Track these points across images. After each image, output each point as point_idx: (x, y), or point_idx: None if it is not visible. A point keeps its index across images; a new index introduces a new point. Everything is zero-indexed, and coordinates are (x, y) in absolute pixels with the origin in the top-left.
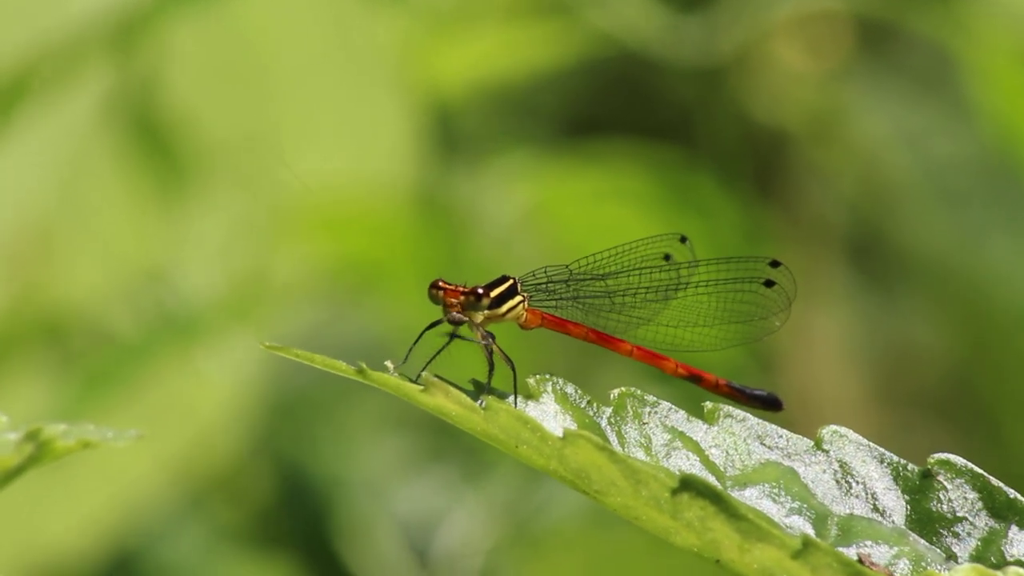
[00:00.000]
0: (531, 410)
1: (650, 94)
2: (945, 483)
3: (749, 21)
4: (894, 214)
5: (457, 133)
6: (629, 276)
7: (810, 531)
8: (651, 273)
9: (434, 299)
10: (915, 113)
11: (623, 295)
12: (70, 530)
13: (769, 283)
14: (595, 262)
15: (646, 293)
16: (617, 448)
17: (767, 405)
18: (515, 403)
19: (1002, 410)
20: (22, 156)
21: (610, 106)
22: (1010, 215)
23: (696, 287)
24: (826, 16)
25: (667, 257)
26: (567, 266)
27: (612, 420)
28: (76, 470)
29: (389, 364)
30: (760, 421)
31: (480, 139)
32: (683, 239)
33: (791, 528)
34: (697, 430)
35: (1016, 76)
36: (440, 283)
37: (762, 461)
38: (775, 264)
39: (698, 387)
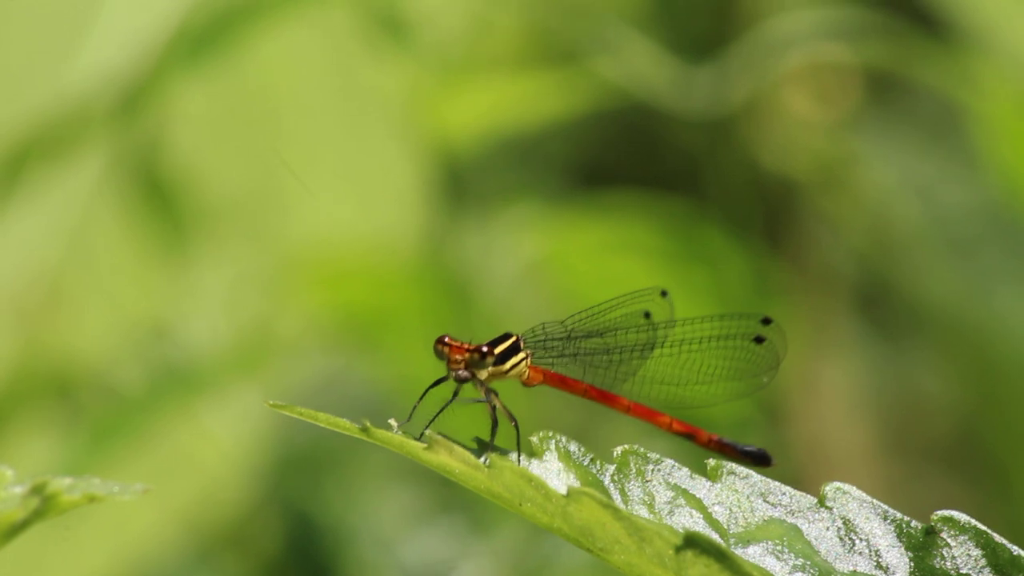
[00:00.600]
0: (534, 468)
1: (659, 143)
2: (949, 540)
3: (758, 71)
4: (902, 264)
5: (464, 183)
6: (625, 333)
7: None
8: (634, 332)
9: (439, 355)
10: (923, 162)
11: (619, 352)
12: None
13: (759, 339)
14: (587, 318)
15: (631, 351)
16: (621, 506)
17: (757, 460)
18: (519, 461)
19: (1011, 461)
20: (31, 214)
21: (619, 156)
22: (1019, 265)
23: (690, 344)
24: (835, 66)
25: (647, 315)
26: (563, 322)
27: (615, 478)
28: (82, 524)
29: (393, 422)
30: (763, 478)
31: (487, 189)
32: (663, 293)
33: None
34: (700, 487)
35: (1022, 126)
36: (446, 339)
37: (765, 518)
38: (767, 321)
39: (693, 443)
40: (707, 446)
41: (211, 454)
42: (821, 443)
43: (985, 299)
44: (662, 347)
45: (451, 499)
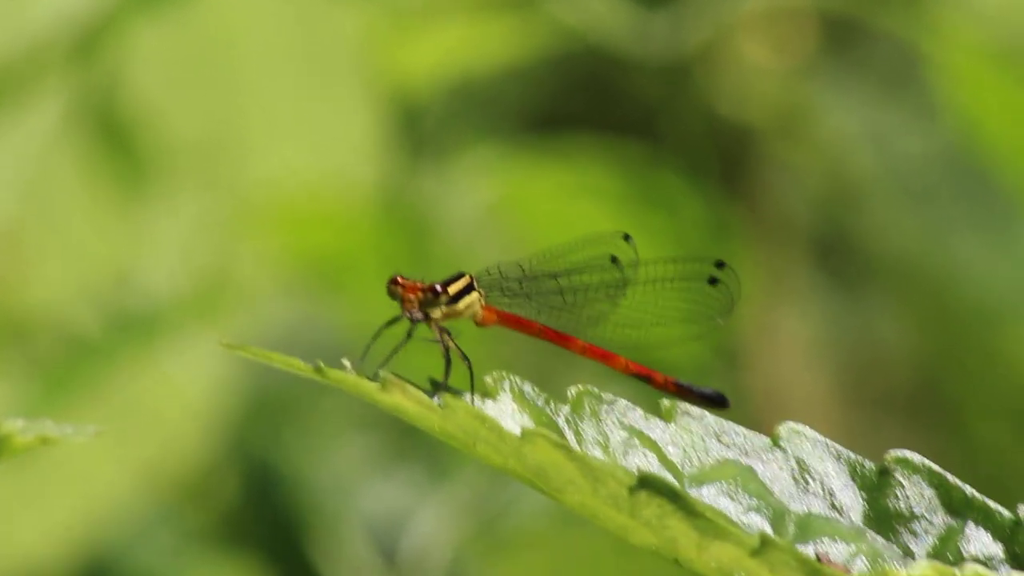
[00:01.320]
0: (488, 408)
1: (615, 90)
2: (902, 480)
3: (714, 17)
4: (860, 212)
5: (422, 128)
6: (581, 275)
7: (768, 529)
8: (598, 273)
9: (392, 294)
10: (881, 111)
11: (573, 293)
12: (41, 538)
13: (713, 281)
14: (545, 260)
15: (595, 292)
16: (575, 446)
17: (713, 403)
18: (472, 401)
19: (969, 409)
20: None
21: (575, 102)
22: (976, 213)
23: (643, 284)
24: (791, 12)
25: (614, 259)
26: (519, 263)
27: (570, 418)
28: (45, 477)
29: (346, 362)
30: (717, 419)
31: (445, 134)
32: (626, 237)
33: (749, 526)
34: (655, 428)
35: (982, 73)
36: (399, 279)
37: (720, 459)
38: (720, 264)
39: (649, 386)
40: (664, 388)
41: (171, 404)
42: (779, 391)
43: (943, 247)
44: (631, 289)
45: (410, 447)
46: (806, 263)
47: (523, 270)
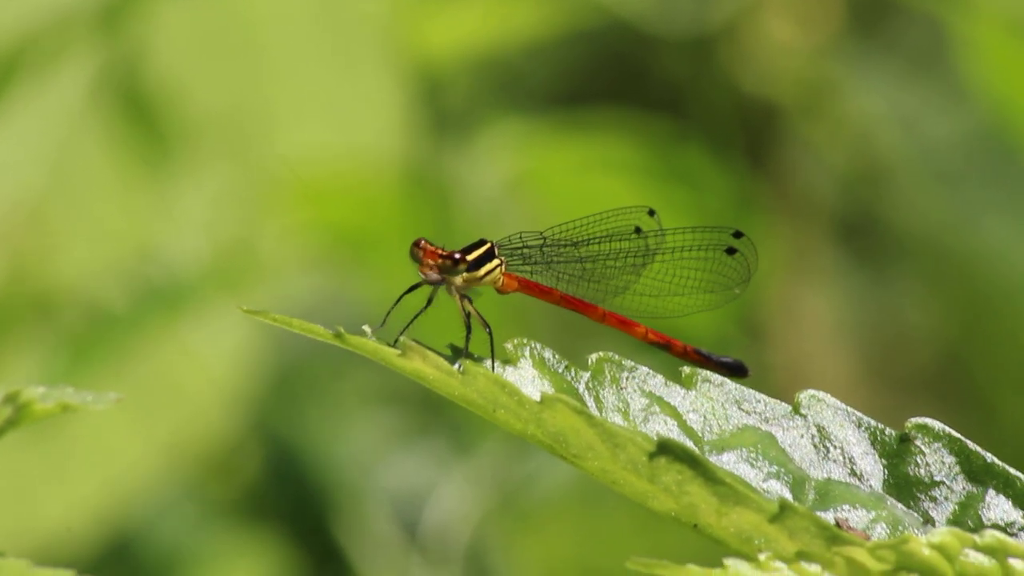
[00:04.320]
0: (509, 374)
1: (640, 66)
2: (923, 447)
3: None
4: (886, 191)
5: (446, 104)
6: (600, 244)
7: (788, 495)
8: (620, 242)
9: (414, 257)
10: (909, 91)
11: (593, 262)
12: (66, 512)
13: (731, 251)
14: (569, 230)
15: (616, 261)
16: (595, 412)
17: (733, 371)
18: (492, 367)
19: (994, 389)
20: (12, 135)
21: (600, 78)
22: (1004, 193)
23: (662, 254)
24: None
25: (638, 230)
26: (541, 233)
27: (590, 385)
28: (70, 452)
29: (367, 328)
30: (738, 386)
31: (469, 110)
32: (651, 212)
33: (769, 492)
34: (675, 395)
35: (1012, 51)
36: (422, 242)
37: (740, 426)
38: (738, 235)
39: (669, 354)
40: (684, 356)
41: (195, 379)
42: (802, 369)
43: (970, 229)
44: (652, 260)
45: (432, 421)
46: (830, 241)
47: (544, 238)
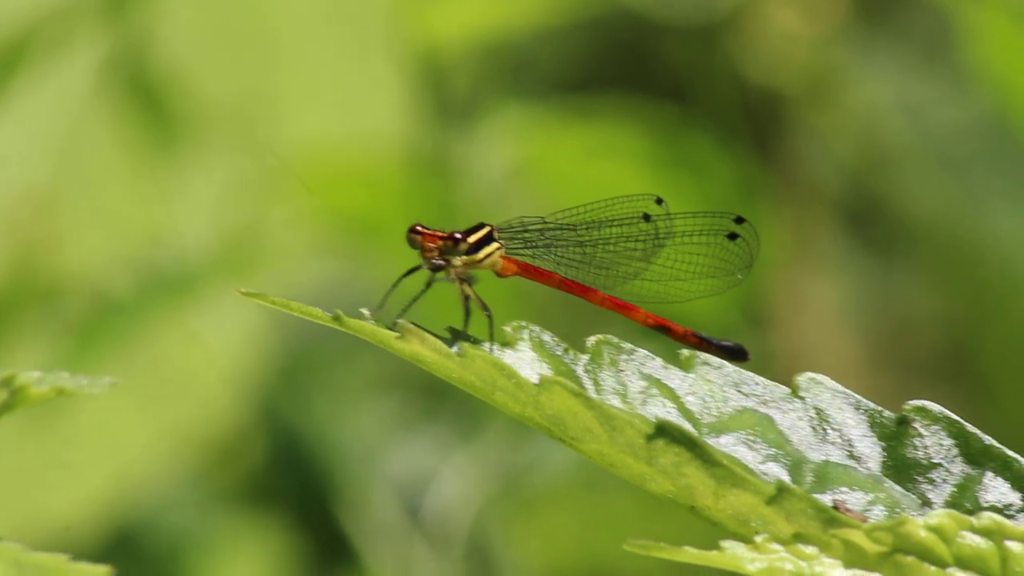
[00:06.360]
0: (507, 357)
1: (646, 54)
2: (921, 430)
3: None
4: (891, 179)
5: (452, 90)
6: (601, 229)
7: (786, 477)
8: (625, 226)
9: (412, 243)
10: (914, 79)
11: (594, 246)
12: (71, 500)
13: (732, 236)
14: (572, 215)
15: (618, 246)
16: (593, 395)
17: (733, 355)
18: (491, 350)
19: (999, 375)
20: (20, 122)
21: (606, 65)
22: (1009, 181)
23: (665, 238)
24: None
25: (646, 217)
26: (542, 217)
27: (588, 367)
28: (75, 440)
29: (365, 311)
30: (736, 369)
31: (475, 96)
32: (659, 200)
33: (767, 475)
34: (673, 377)
35: (1018, 39)
36: (419, 227)
37: (738, 408)
38: (740, 220)
39: (668, 338)
40: (683, 340)
41: (201, 367)
42: (806, 355)
43: (975, 216)
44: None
45: (435, 407)
46: (836, 228)
47: (544, 222)
